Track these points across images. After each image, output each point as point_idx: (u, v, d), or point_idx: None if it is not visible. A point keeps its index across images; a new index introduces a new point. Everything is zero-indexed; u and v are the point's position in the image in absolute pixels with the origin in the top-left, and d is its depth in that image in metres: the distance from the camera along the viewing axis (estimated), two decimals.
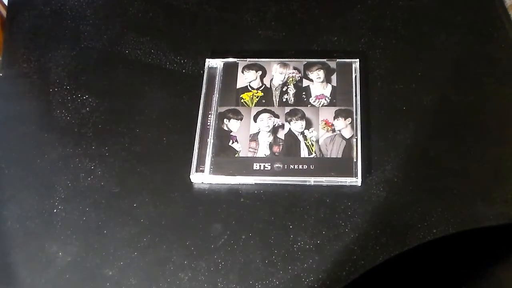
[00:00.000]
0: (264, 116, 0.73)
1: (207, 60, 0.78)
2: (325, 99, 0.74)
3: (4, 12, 0.88)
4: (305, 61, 0.77)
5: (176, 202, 0.69)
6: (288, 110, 0.73)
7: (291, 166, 0.69)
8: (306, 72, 0.76)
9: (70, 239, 0.67)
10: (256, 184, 0.69)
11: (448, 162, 0.70)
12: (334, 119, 0.72)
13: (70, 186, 0.70)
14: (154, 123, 0.75)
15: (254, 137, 0.72)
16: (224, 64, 0.78)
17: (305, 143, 0.71)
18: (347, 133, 0.71)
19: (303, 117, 0.73)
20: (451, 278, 0.67)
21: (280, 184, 0.69)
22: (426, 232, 0.65)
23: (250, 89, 0.76)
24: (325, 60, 0.77)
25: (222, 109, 0.74)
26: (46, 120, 0.76)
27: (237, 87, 0.76)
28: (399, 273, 0.66)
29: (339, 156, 0.69)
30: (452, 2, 0.82)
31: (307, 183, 0.69)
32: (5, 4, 0.90)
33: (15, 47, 0.82)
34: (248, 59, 0.78)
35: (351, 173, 0.68)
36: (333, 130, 0.71)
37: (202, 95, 0.75)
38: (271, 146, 0.71)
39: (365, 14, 0.82)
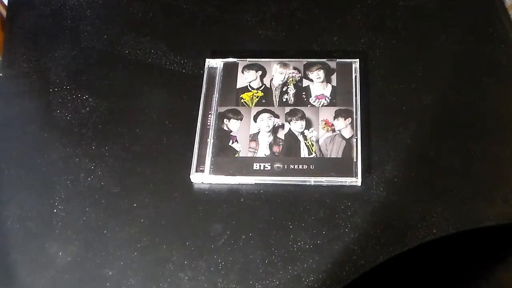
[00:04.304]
0: (264, 116, 0.73)
1: (207, 60, 0.78)
2: (325, 99, 0.74)
3: (4, 12, 0.88)
4: (305, 61, 0.77)
5: (176, 202, 0.69)
6: (288, 110, 0.73)
7: (291, 166, 0.69)
8: (306, 72, 0.76)
9: (70, 239, 0.67)
10: (256, 184, 0.69)
11: (448, 162, 0.70)
12: (334, 119, 0.72)
13: (70, 186, 0.70)
14: (154, 123, 0.75)
15: (254, 137, 0.72)
16: (224, 64, 0.78)
17: (305, 143, 0.71)
18: (347, 133, 0.71)
19: (303, 117, 0.73)
20: (451, 278, 0.67)
21: (280, 184, 0.69)
22: (426, 232, 0.65)
23: (250, 89, 0.76)
24: (325, 60, 0.77)
25: (222, 109, 0.74)
26: (46, 120, 0.76)
27: (237, 87, 0.76)
28: (399, 273, 0.66)
29: (339, 156, 0.69)
30: (452, 2, 0.82)
31: (307, 183, 0.69)
32: (5, 4, 0.90)
33: (15, 47, 0.82)
34: (248, 59, 0.78)
35: (351, 173, 0.68)
36: (333, 130, 0.71)
37: (202, 95, 0.75)
38: (271, 146, 0.71)
39: (365, 14, 0.82)
